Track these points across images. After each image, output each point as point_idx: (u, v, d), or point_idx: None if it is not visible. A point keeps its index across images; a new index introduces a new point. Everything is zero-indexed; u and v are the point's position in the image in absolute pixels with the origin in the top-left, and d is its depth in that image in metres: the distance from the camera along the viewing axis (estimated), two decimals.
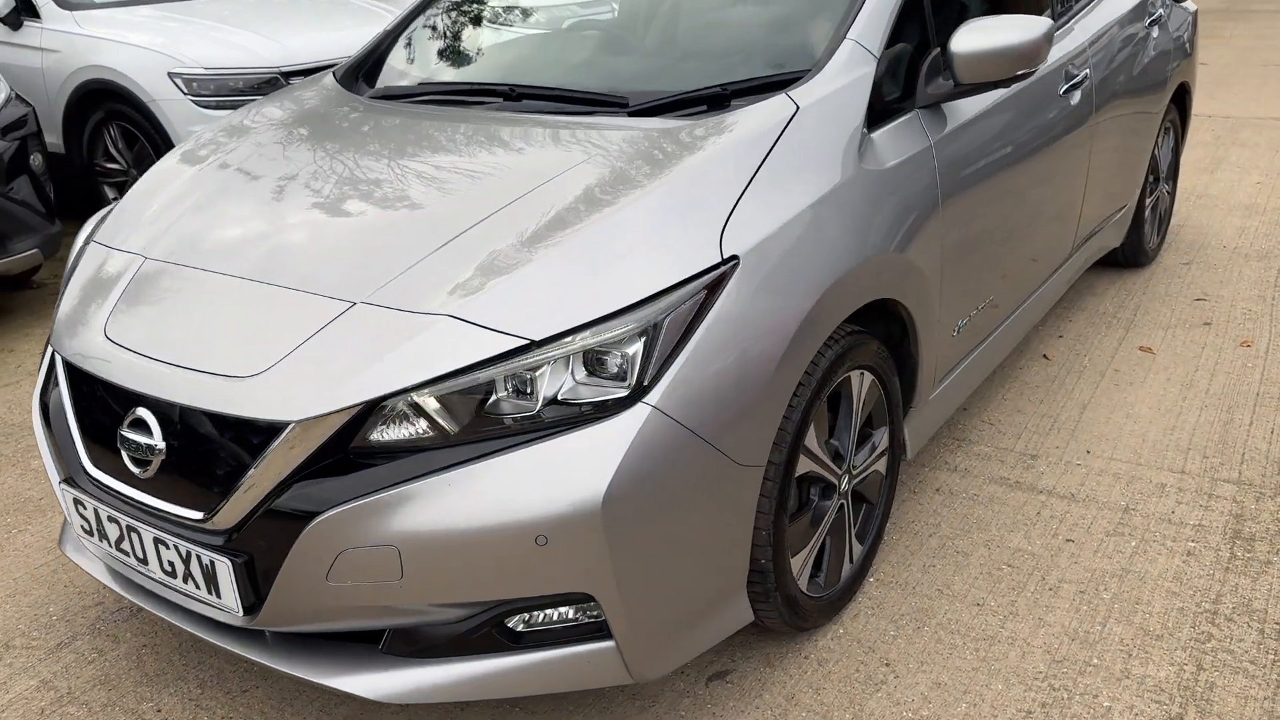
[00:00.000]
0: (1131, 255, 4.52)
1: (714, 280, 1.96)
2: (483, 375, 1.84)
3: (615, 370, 1.88)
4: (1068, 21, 3.47)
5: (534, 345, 1.85)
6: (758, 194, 2.11)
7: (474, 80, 2.84)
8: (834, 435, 2.40)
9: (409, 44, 3.14)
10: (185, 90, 5.43)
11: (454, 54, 3.00)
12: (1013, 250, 3.05)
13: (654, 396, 1.86)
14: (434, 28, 3.17)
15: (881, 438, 2.56)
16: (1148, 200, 4.44)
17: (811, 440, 2.25)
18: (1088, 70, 3.40)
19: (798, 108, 2.29)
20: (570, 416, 1.86)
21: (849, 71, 2.42)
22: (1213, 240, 4.96)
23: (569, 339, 1.86)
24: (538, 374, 1.86)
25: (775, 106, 2.30)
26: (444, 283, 1.96)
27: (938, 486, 3.01)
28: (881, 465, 2.60)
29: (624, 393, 1.86)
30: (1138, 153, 4.08)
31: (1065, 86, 3.23)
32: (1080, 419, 3.35)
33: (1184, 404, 3.42)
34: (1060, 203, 3.34)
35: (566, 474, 1.80)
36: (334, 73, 3.12)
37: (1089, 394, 3.51)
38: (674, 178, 2.12)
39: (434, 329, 1.88)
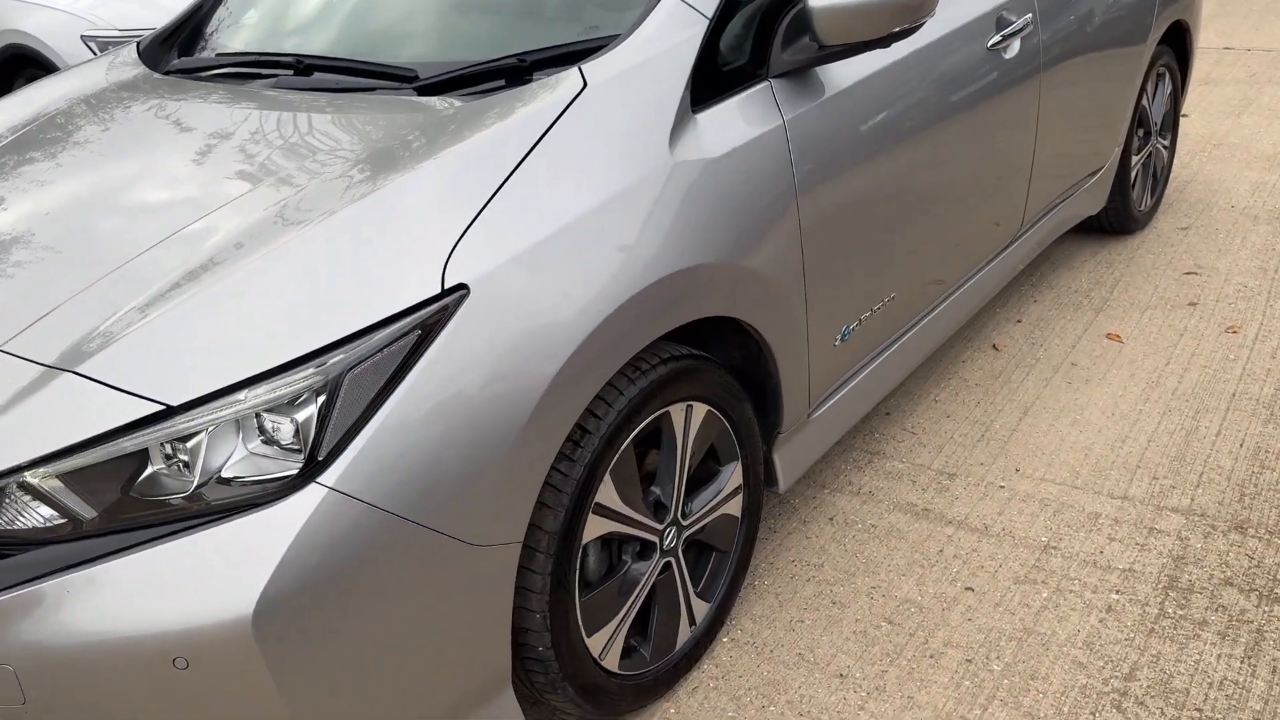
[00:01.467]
0: (1117, 222, 3.98)
1: (430, 317, 1.55)
2: (112, 449, 1.45)
3: (291, 440, 1.48)
4: None
5: (172, 411, 1.45)
6: (509, 202, 1.68)
7: (266, 51, 2.42)
8: (656, 482, 1.99)
9: (221, 8, 2.72)
10: (99, 53, 5.08)
11: (260, 20, 2.58)
12: (923, 239, 2.57)
13: (331, 475, 1.46)
14: None
15: (730, 476, 2.14)
16: (1135, 159, 3.89)
17: (610, 495, 1.84)
18: (1031, 15, 2.88)
19: (584, 85, 1.85)
20: (246, 497, 1.47)
21: (667, 36, 1.96)
22: (1220, 199, 4.39)
23: (222, 401, 1.47)
24: (191, 445, 1.47)
25: (559, 85, 1.86)
26: (87, 326, 1.57)
27: (832, 514, 2.58)
28: (734, 507, 2.18)
29: (295, 470, 1.46)
30: (1115, 106, 3.53)
31: (997, 37, 2.71)
32: (1017, 427, 2.88)
33: (1144, 407, 2.93)
34: (995, 175, 2.84)
35: (213, 576, 1.42)
36: (138, 43, 2.72)
37: (1034, 394, 3.03)
38: (408, 184, 1.69)
39: (54, 389, 1.49)
